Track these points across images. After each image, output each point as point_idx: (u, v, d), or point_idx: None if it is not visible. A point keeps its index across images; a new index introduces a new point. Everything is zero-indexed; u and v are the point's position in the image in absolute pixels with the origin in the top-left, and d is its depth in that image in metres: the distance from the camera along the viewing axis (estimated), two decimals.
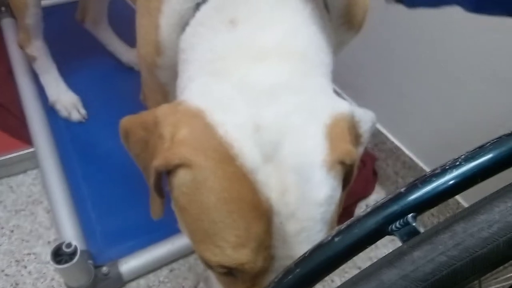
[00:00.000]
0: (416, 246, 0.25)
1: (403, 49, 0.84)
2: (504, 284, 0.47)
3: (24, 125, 1.00)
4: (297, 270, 0.30)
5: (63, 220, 0.80)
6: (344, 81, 1.03)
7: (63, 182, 0.87)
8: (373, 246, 0.30)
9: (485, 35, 0.68)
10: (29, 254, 0.83)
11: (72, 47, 1.21)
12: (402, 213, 0.28)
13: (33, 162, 0.97)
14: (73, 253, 0.68)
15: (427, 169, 0.87)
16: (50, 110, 1.05)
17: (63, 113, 1.04)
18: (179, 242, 0.80)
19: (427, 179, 0.28)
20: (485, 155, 0.28)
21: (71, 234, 0.78)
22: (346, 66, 1.01)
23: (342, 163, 0.37)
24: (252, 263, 0.35)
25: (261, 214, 0.34)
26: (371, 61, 0.94)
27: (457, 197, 0.81)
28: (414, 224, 0.27)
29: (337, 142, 0.37)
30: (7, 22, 1.27)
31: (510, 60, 0.66)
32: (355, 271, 0.27)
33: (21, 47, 1.02)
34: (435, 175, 0.28)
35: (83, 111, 1.05)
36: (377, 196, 0.97)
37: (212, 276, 0.44)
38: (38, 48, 1.01)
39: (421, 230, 0.27)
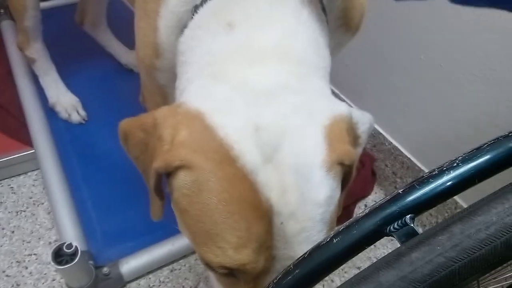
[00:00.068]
0: (414, 247, 0.25)
1: (400, 50, 0.85)
2: (503, 284, 0.47)
3: (24, 126, 1.01)
4: (297, 271, 0.30)
5: (63, 221, 0.80)
6: (342, 82, 1.04)
7: (63, 183, 0.87)
8: (372, 246, 0.30)
9: (483, 35, 0.68)
10: (30, 254, 0.83)
11: (71, 49, 1.21)
12: (400, 214, 0.28)
13: (34, 163, 0.97)
14: (74, 254, 0.68)
15: (425, 169, 0.87)
16: (50, 112, 1.05)
17: (63, 114, 1.04)
18: (180, 242, 0.80)
19: (424, 180, 0.28)
20: (482, 157, 0.28)
21: (72, 235, 0.78)
22: (344, 68, 1.01)
23: (341, 163, 0.37)
24: (253, 263, 0.35)
25: (262, 215, 0.35)
26: (368, 62, 0.94)
27: (455, 197, 0.81)
28: (412, 225, 0.27)
29: (336, 143, 0.37)
30: (6, 24, 1.27)
31: (509, 61, 0.66)
32: (355, 271, 0.27)
33: (21, 49, 1.02)
34: (432, 176, 0.28)
35: (82, 113, 1.05)
36: (375, 196, 0.98)
37: (212, 277, 0.44)
38: (37, 50, 1.01)
39: (420, 230, 0.27)
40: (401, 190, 0.29)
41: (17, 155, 0.96)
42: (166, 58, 0.50)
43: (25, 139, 0.98)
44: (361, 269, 0.26)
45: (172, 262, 0.82)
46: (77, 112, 1.05)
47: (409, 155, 0.90)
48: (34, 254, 0.83)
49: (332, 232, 0.30)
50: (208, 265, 0.38)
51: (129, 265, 0.77)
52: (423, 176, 0.29)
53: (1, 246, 0.85)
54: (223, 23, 0.41)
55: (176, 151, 0.36)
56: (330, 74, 0.45)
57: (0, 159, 0.95)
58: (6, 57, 1.17)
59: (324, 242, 0.29)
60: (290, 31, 0.41)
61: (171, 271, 0.82)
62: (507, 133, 0.29)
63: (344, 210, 0.75)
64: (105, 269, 0.75)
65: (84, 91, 1.09)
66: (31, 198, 0.94)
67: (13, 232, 0.87)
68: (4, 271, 0.81)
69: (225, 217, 0.35)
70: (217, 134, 0.35)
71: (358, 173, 0.94)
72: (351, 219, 0.30)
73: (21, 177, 0.98)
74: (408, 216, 0.28)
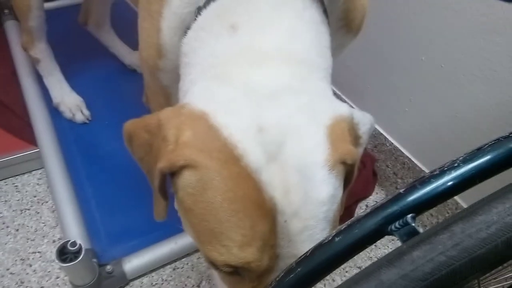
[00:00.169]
0: (415, 246, 0.25)
1: (401, 51, 0.85)
2: (504, 284, 0.47)
3: (28, 126, 1.01)
4: (298, 269, 0.30)
5: (67, 219, 0.81)
6: (343, 83, 1.04)
7: (67, 182, 0.88)
8: (373, 246, 0.30)
9: (484, 36, 0.68)
10: (34, 252, 0.84)
11: (75, 50, 1.22)
12: (401, 214, 0.28)
13: (38, 162, 0.98)
14: (78, 252, 0.68)
15: (426, 170, 0.88)
16: (54, 111, 1.06)
17: (67, 114, 1.05)
18: (182, 241, 0.80)
19: (426, 180, 0.29)
20: (483, 157, 0.28)
21: (76, 233, 0.78)
22: (345, 69, 1.01)
23: (343, 163, 0.38)
24: (258, 261, 0.36)
25: (266, 213, 0.35)
26: (370, 63, 0.95)
27: (456, 197, 0.81)
28: (413, 225, 0.28)
29: (338, 142, 0.37)
30: (11, 24, 1.28)
31: (510, 62, 0.66)
32: (356, 271, 0.27)
33: (25, 49, 1.03)
34: (434, 176, 0.29)
35: (86, 112, 1.06)
36: (376, 196, 0.98)
37: (216, 276, 0.44)
38: (41, 50, 1.02)
39: (421, 230, 0.27)
40: (403, 189, 0.29)
41: (21, 154, 0.97)
42: (169, 59, 0.51)
43: (30, 138, 0.99)
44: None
45: (175, 260, 0.83)
46: (81, 112, 1.05)
47: (410, 156, 0.91)
48: (38, 252, 0.84)
49: (334, 231, 0.30)
50: (213, 264, 0.38)
51: (132, 263, 0.77)
52: (424, 176, 0.29)
53: (6, 244, 0.85)
54: (226, 25, 0.41)
55: (181, 150, 0.36)
56: (332, 75, 0.45)
57: (5, 158, 0.96)
58: (10, 57, 1.18)
59: (326, 241, 0.30)
60: (292, 33, 0.41)
61: (174, 269, 0.82)
62: (507, 134, 0.29)
63: (346, 210, 0.76)
64: (109, 267, 0.75)
65: (88, 91, 1.09)
66: (35, 196, 0.95)
67: (17, 230, 0.88)
68: (8, 269, 0.81)
69: (230, 215, 0.35)
70: (221, 134, 0.36)
71: (359, 173, 0.94)
72: (352, 218, 0.30)
73: (26, 175, 0.99)
74: (409, 216, 0.28)
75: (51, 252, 0.84)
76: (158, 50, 0.50)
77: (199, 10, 0.44)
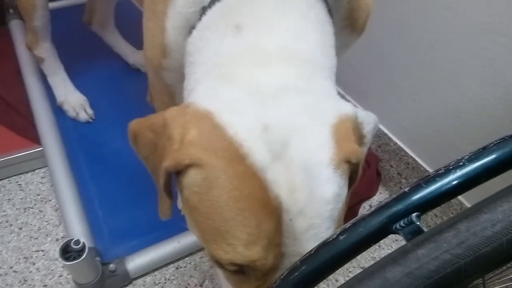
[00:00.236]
0: (420, 244, 0.25)
1: (405, 51, 0.85)
2: (508, 284, 0.47)
3: (32, 125, 1.02)
4: (303, 268, 0.30)
5: (71, 218, 0.81)
6: (347, 82, 1.04)
7: (71, 180, 0.88)
8: (376, 246, 0.30)
9: (488, 37, 0.68)
10: (37, 251, 0.85)
11: (80, 49, 1.22)
12: (406, 212, 0.28)
13: (42, 161, 0.99)
14: (82, 250, 0.69)
15: (430, 170, 0.87)
16: (58, 110, 1.06)
17: (71, 113, 1.06)
18: (185, 240, 0.81)
19: (431, 179, 0.29)
20: (488, 156, 0.28)
21: (79, 232, 0.79)
22: (349, 68, 1.01)
23: (348, 162, 0.38)
24: (263, 260, 0.36)
25: (271, 212, 0.35)
26: (373, 63, 0.95)
27: (461, 198, 0.81)
28: (418, 223, 0.28)
29: (343, 141, 0.38)
30: (15, 24, 1.29)
31: None
32: (359, 271, 0.27)
33: (29, 49, 1.03)
34: (439, 175, 0.29)
35: (90, 111, 1.06)
36: (380, 197, 0.98)
37: (221, 275, 0.44)
38: (46, 50, 1.02)
39: (425, 229, 0.27)
40: (408, 188, 0.29)
41: (25, 153, 0.98)
42: (173, 58, 0.51)
43: (33, 137, 1.00)
44: None
45: (178, 259, 0.83)
46: (85, 111, 1.06)
47: (414, 156, 0.90)
48: (42, 251, 0.85)
49: (338, 229, 0.30)
50: (217, 263, 0.38)
51: (135, 262, 0.77)
52: (429, 175, 0.29)
53: (9, 242, 0.86)
54: (231, 25, 0.41)
55: (186, 149, 0.36)
56: (336, 74, 0.45)
57: (9, 156, 0.96)
58: (15, 56, 1.19)
59: (330, 239, 0.30)
60: (297, 33, 0.41)
61: (177, 268, 0.82)
62: None
63: (349, 210, 0.76)
64: (112, 266, 0.75)
65: (92, 91, 1.10)
66: (38, 195, 0.95)
67: (20, 228, 0.89)
68: (11, 267, 0.82)
69: (235, 214, 0.35)
70: (226, 132, 0.36)
71: (363, 173, 0.94)
72: (357, 217, 0.30)
73: (29, 174, 1.00)
74: (414, 214, 0.28)
75: (54, 250, 0.84)
76: (163, 50, 0.51)
77: (204, 10, 0.44)
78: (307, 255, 0.31)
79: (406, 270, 0.25)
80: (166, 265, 0.82)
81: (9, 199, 0.94)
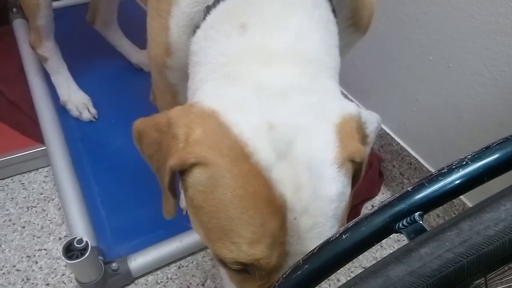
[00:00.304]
0: (423, 243, 0.25)
1: (408, 50, 0.85)
2: (510, 284, 0.47)
3: (35, 124, 1.02)
4: (306, 266, 0.30)
5: (73, 217, 0.82)
6: (350, 82, 1.04)
7: (74, 180, 0.89)
8: (378, 246, 0.30)
9: (492, 36, 0.68)
10: (40, 250, 0.85)
11: (83, 48, 1.23)
12: (409, 211, 0.28)
13: (45, 160, 0.99)
14: (84, 249, 0.69)
15: (433, 170, 0.87)
16: (61, 109, 1.06)
17: (74, 112, 1.06)
18: (187, 239, 0.81)
19: (434, 178, 0.29)
20: (491, 155, 0.28)
21: (82, 231, 0.79)
22: (352, 68, 1.01)
23: (352, 161, 0.38)
24: (267, 258, 0.36)
25: (276, 210, 0.35)
26: (377, 62, 0.95)
27: (463, 198, 0.81)
28: (421, 222, 0.28)
29: (346, 140, 0.38)
30: (19, 23, 1.29)
31: None
32: (361, 271, 0.27)
33: (33, 48, 1.04)
34: (442, 174, 0.29)
35: (93, 111, 1.07)
36: (383, 197, 0.97)
37: (224, 274, 0.44)
38: (49, 49, 1.03)
39: (428, 228, 0.27)
40: (410, 187, 0.29)
41: (28, 152, 0.98)
42: (177, 57, 0.51)
43: (37, 136, 1.00)
44: None
45: (180, 259, 0.83)
46: (88, 110, 1.06)
47: (416, 156, 0.90)
48: (44, 249, 0.85)
49: (341, 228, 0.30)
50: (222, 261, 0.39)
51: (137, 261, 0.78)
52: (432, 174, 0.29)
53: (12, 241, 0.86)
54: (236, 25, 0.41)
55: (191, 148, 0.37)
56: (339, 74, 0.45)
57: (12, 155, 0.97)
58: (18, 55, 1.19)
59: (333, 238, 0.30)
60: (302, 32, 0.41)
61: (179, 268, 0.82)
62: None
63: (352, 210, 0.76)
64: (114, 265, 0.76)
65: (95, 90, 1.10)
66: (41, 194, 0.96)
67: (23, 227, 0.89)
68: (14, 266, 0.82)
69: (240, 212, 0.35)
70: (231, 131, 0.36)
71: (366, 173, 0.94)
72: (360, 216, 0.30)
73: (32, 173, 1.00)
74: (417, 214, 0.28)
75: (57, 249, 0.85)
76: (167, 49, 0.51)
77: (208, 9, 0.45)
78: (309, 254, 0.31)
79: (409, 269, 0.25)
80: (168, 264, 0.82)
81: (12, 198, 0.95)
